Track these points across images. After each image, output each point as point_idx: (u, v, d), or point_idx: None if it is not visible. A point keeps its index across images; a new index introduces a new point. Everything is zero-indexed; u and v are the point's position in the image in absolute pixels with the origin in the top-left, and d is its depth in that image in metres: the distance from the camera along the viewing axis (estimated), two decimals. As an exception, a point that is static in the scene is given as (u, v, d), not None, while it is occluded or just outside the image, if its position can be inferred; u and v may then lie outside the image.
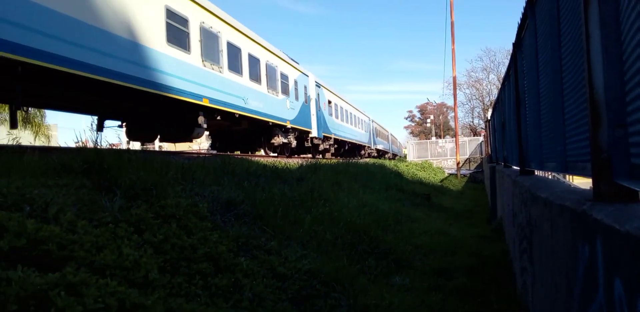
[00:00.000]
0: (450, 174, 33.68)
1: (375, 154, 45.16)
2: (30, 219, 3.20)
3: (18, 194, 3.66)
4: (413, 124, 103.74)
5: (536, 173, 6.25)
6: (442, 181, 28.88)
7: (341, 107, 31.39)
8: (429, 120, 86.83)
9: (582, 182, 11.17)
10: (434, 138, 68.51)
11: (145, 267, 3.39)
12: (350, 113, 34.66)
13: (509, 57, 8.59)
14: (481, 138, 41.80)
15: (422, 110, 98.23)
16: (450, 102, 74.31)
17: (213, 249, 4.44)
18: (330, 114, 27.22)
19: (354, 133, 34.55)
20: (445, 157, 43.89)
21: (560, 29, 3.35)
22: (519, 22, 5.73)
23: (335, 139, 27.53)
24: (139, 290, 3.10)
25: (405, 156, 50.65)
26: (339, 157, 28.71)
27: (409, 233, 9.67)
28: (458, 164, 33.96)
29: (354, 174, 15.01)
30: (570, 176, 12.90)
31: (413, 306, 5.43)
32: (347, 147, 32.44)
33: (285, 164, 12.04)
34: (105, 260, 3.18)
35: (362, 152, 39.39)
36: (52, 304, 2.36)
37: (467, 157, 43.07)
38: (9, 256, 2.79)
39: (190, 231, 4.56)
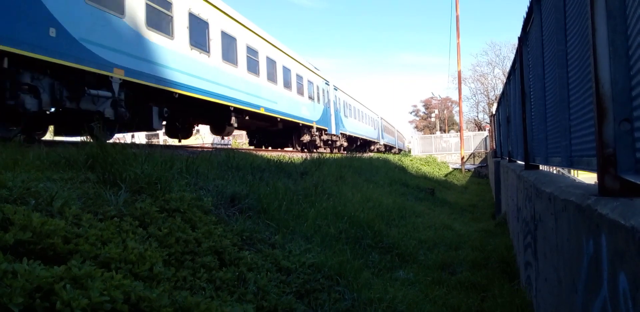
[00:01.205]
0: (455, 169, 33.67)
1: (345, 144, 29.73)
2: (36, 213, 3.21)
3: (23, 188, 3.68)
4: (417, 119, 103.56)
5: (541, 168, 6.24)
6: (446, 175, 28.87)
7: (232, 37, 14.57)
8: (433, 115, 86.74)
9: (587, 177, 11.15)
10: (438, 132, 68.37)
11: (150, 260, 3.40)
12: (268, 58, 17.33)
13: (514, 51, 8.55)
14: (486, 133, 41.70)
15: (427, 104, 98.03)
16: (454, 97, 74.11)
17: (217, 242, 4.45)
18: (198, 44, 12.44)
19: (261, 92, 16.47)
20: (450, 152, 43.82)
21: (566, 22, 3.33)
22: (525, 15, 5.70)
23: (182, 96, 11.72)
24: (144, 283, 3.12)
25: (409, 151, 50.04)
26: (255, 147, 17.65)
27: (413, 228, 9.68)
28: (462, 158, 33.94)
29: (358, 168, 15.02)
30: (575, 171, 12.87)
31: (417, 299, 5.44)
32: (253, 126, 18.01)
33: (289, 158, 12.04)
34: (110, 253, 3.20)
35: (304, 137, 22.07)
36: (58, 297, 2.37)
37: (472, 151, 43.01)
38: (15, 249, 2.80)
39: (194, 225, 4.58)
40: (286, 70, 19.66)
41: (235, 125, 15.49)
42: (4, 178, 3.79)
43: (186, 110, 13.76)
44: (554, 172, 8.24)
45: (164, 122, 13.51)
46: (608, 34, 2.09)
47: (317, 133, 23.82)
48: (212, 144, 23.65)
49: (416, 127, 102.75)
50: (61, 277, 2.55)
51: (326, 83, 26.77)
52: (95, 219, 3.70)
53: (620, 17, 2.04)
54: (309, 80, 23.09)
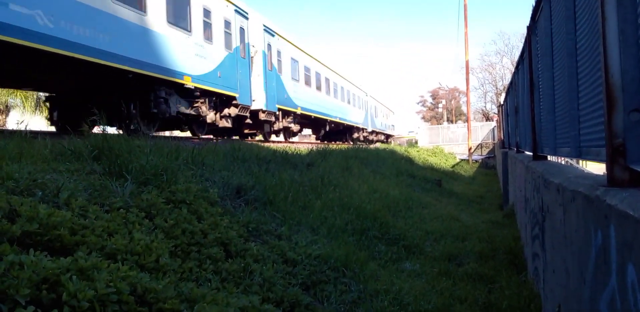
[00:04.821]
0: (462, 160, 33.52)
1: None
2: (42, 204, 3.22)
3: (30, 179, 3.69)
4: (425, 109, 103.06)
5: (549, 158, 6.19)
6: (453, 166, 28.77)
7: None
8: (440, 105, 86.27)
9: (596, 168, 11.08)
10: (445, 123, 68.07)
11: (157, 252, 3.41)
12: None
13: (523, 40, 8.46)
14: (494, 123, 41.45)
15: (434, 94, 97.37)
16: (462, 87, 73.74)
17: (224, 234, 4.46)
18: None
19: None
20: (457, 143, 43.54)
21: (575, 11, 3.28)
22: (534, 4, 5.63)
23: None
24: (150, 275, 3.12)
25: (417, 142, 49.32)
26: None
27: (419, 219, 9.67)
28: (470, 149, 33.78)
29: (364, 159, 14.99)
30: (584, 162, 12.79)
31: (423, 291, 5.43)
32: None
33: (295, 149, 12.04)
34: (117, 245, 3.20)
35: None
36: (64, 288, 2.37)
37: (479, 142, 42.75)
38: (22, 241, 2.81)
39: (200, 216, 4.58)
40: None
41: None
42: (10, 170, 3.80)
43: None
44: (563, 162, 8.19)
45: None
46: (618, 23, 2.05)
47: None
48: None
49: (423, 117, 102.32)
50: (67, 268, 2.55)
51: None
52: (102, 210, 3.71)
53: (631, 5, 2.00)
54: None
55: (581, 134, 3.29)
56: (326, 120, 25.16)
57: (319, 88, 24.23)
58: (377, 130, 40.68)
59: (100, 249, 3.11)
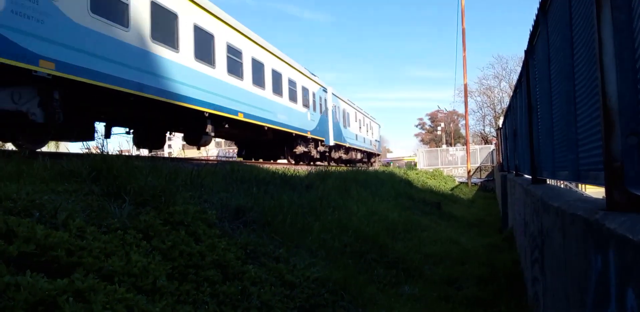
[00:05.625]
0: (461, 183, 33.49)
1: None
2: (40, 225, 3.21)
3: (28, 200, 3.68)
4: (424, 132, 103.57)
5: (548, 182, 6.19)
6: (452, 189, 28.73)
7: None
8: (439, 128, 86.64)
9: (595, 192, 11.07)
10: (444, 146, 68.24)
11: (154, 274, 3.39)
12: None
13: (521, 64, 8.55)
14: (492, 146, 41.56)
15: (433, 117, 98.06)
16: (461, 110, 74.10)
17: (221, 256, 4.43)
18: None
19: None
20: (456, 166, 43.60)
21: (572, 35, 3.33)
22: (531, 29, 5.70)
23: None
24: (147, 297, 3.10)
25: (416, 165, 49.48)
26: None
27: (418, 242, 9.60)
28: (469, 172, 33.78)
29: (364, 181, 14.97)
30: (583, 185, 12.79)
31: (422, 315, 5.37)
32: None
33: (294, 171, 12.04)
34: (114, 266, 3.18)
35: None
36: (60, 310, 2.35)
37: (478, 165, 42.80)
38: (18, 262, 2.79)
39: (198, 238, 4.56)
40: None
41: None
42: (8, 190, 3.80)
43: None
44: (562, 186, 8.19)
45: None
46: (615, 47, 2.08)
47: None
48: (216, 156, 23.39)
49: (422, 140, 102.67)
50: (64, 290, 2.54)
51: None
52: (99, 231, 3.69)
53: (627, 30, 2.03)
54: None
55: (580, 157, 3.30)
56: (204, 113, 12.22)
57: (173, 47, 10.95)
58: (348, 146, 28.49)
59: (97, 271, 3.09)
